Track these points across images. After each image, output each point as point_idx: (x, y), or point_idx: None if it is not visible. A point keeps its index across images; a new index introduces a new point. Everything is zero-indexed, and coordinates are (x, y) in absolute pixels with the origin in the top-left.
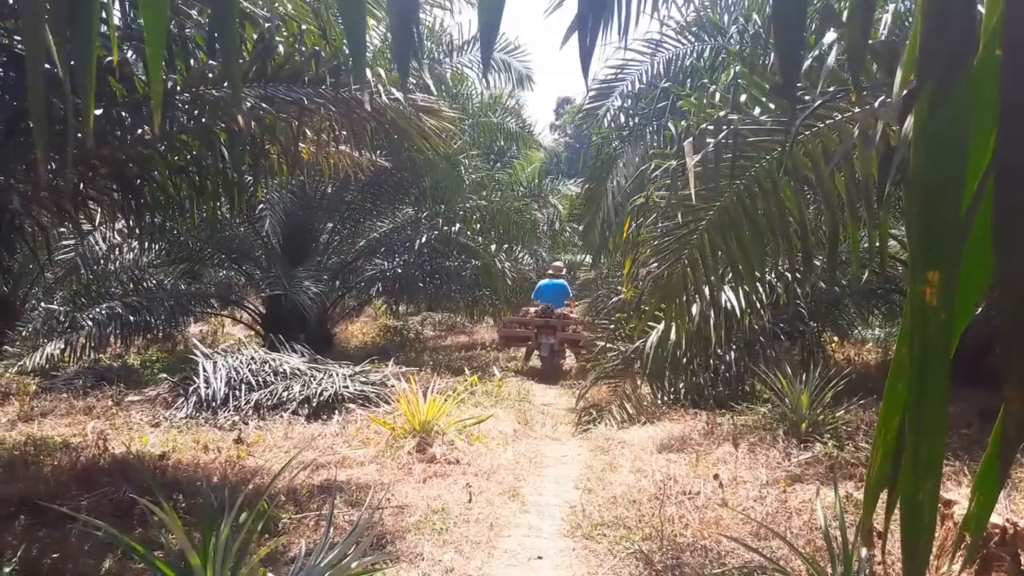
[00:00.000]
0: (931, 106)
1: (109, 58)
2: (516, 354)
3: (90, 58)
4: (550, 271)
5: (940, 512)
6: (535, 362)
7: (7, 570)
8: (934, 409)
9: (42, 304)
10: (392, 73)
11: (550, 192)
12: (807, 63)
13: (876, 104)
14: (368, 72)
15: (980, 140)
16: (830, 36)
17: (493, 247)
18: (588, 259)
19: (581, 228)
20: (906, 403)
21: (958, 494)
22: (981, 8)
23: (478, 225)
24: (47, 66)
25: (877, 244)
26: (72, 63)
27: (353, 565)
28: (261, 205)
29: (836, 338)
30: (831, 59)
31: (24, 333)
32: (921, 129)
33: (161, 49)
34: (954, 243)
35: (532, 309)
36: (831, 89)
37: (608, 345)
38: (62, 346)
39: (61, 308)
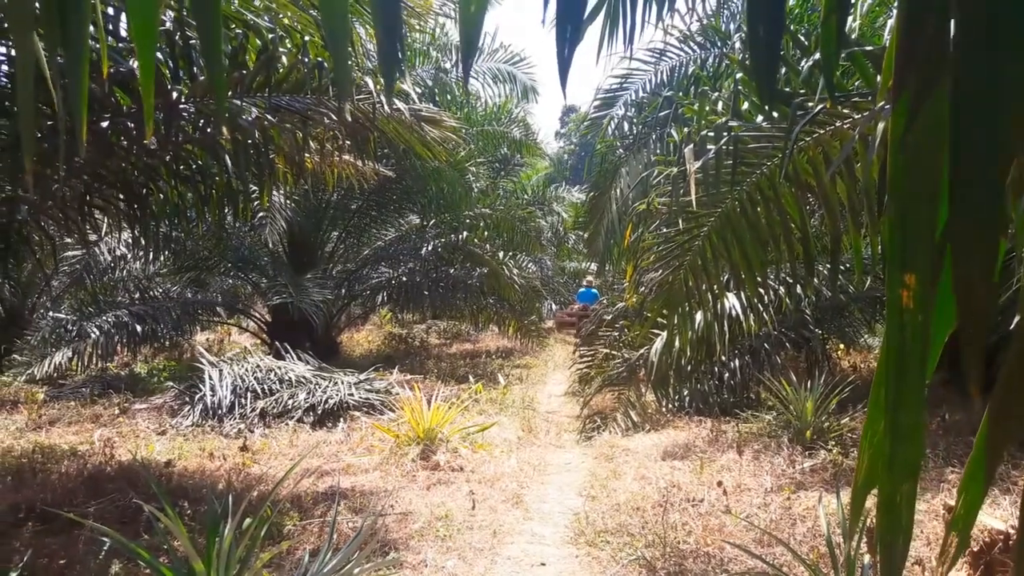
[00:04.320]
0: (907, 115)
1: (112, 69)
2: (520, 361)
3: (82, 64)
4: (585, 282)
5: (944, 518)
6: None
7: (15, 575)
8: (911, 411)
9: (50, 313)
10: (396, 83)
11: (555, 200)
12: (806, 70)
13: (876, 109)
14: (371, 82)
15: None
16: None
17: (500, 254)
18: (593, 267)
19: (586, 236)
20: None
21: None
22: None
23: (485, 233)
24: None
25: (880, 250)
26: (63, 70)
27: (356, 571)
28: (262, 214)
29: (842, 345)
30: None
31: (32, 342)
32: (898, 137)
33: (151, 60)
34: (929, 247)
35: (576, 307)
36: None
37: (612, 352)
38: (70, 355)
39: (68, 317)
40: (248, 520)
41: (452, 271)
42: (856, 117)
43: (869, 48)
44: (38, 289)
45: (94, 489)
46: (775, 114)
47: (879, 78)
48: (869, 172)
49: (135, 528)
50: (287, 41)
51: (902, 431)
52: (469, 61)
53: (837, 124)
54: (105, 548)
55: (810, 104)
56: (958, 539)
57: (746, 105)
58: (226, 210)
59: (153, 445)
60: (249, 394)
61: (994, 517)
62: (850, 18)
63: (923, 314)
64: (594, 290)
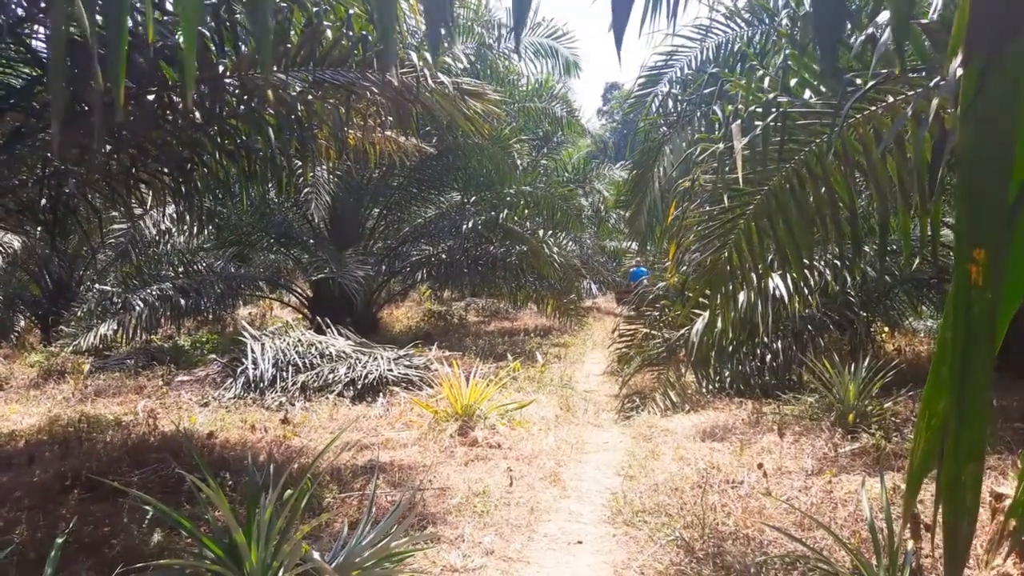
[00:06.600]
0: (979, 79)
1: (160, 42)
2: (559, 340)
3: (121, 29)
4: (636, 261)
5: (991, 505)
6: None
7: (60, 541)
8: (977, 391)
9: (96, 286)
10: (440, 58)
11: (596, 178)
12: (858, 45)
13: (931, 85)
14: (414, 56)
15: None
16: (884, 16)
17: (540, 232)
18: (634, 246)
19: (627, 215)
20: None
21: (1011, 488)
22: None
23: (525, 211)
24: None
25: (929, 231)
26: (104, 35)
27: (394, 545)
28: (308, 190)
29: (887, 328)
30: (884, 39)
31: (79, 314)
32: (968, 103)
33: (194, 32)
34: (1001, 221)
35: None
36: (884, 71)
37: (652, 332)
38: (115, 327)
39: (114, 290)
40: (288, 492)
41: (492, 249)
42: (909, 93)
43: (924, 21)
44: (85, 262)
45: (138, 459)
46: (823, 89)
47: (929, 44)
48: (921, 150)
49: (177, 498)
50: (331, 15)
51: (968, 412)
52: (521, 26)
53: (889, 100)
54: (148, 517)
55: (859, 80)
56: (1016, 526)
57: (794, 81)
58: (269, 185)
59: (195, 417)
60: (290, 368)
61: None
62: None
63: (992, 290)
64: (644, 268)
